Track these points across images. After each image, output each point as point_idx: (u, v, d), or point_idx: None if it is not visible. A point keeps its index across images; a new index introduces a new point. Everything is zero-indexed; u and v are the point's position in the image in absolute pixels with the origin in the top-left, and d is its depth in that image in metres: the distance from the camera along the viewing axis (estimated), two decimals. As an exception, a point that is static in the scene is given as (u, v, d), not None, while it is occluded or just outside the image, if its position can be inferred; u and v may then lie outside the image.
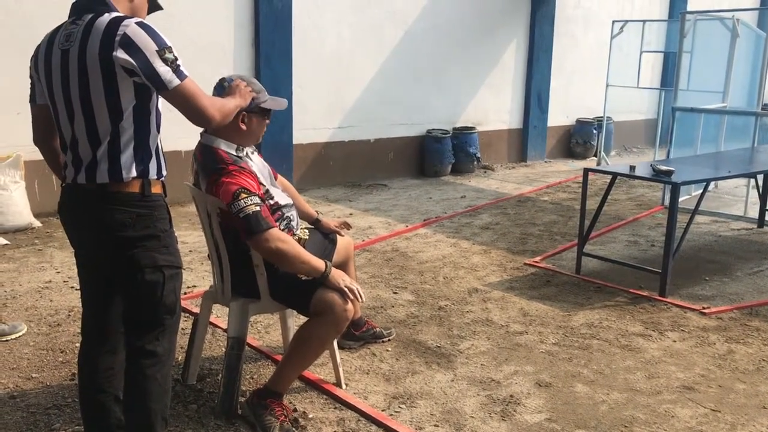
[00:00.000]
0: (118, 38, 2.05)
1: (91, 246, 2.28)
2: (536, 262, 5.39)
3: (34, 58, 2.30)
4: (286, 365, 2.90)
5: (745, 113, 7.66)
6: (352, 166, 8.53)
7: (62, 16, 2.27)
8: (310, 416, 3.02)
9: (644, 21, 9.65)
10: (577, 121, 11.05)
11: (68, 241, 2.40)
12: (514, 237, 6.20)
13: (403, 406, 3.14)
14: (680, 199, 6.55)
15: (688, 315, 4.34)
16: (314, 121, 8.09)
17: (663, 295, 4.60)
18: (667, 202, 7.33)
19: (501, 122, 10.21)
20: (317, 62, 8.01)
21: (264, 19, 7.43)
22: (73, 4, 2.23)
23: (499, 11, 9.89)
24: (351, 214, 6.97)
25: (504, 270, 5.24)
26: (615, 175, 5.07)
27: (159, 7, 2.48)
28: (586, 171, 5.11)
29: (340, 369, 3.32)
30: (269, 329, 3.98)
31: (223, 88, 2.58)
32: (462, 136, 9.36)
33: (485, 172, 9.61)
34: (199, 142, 2.90)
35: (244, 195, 2.66)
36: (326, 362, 3.47)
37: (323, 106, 8.18)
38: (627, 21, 9.76)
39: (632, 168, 4.91)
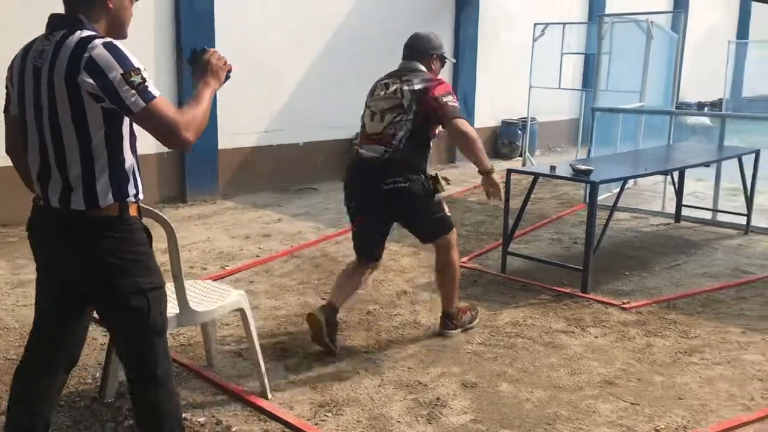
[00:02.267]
0: (83, 61, 1.99)
1: (66, 270, 2.21)
2: (463, 262, 5.43)
3: (11, 69, 2.22)
4: (446, 292, 4.02)
5: (660, 112, 7.96)
6: (281, 170, 8.44)
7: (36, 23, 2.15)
8: (234, 429, 2.96)
9: (564, 23, 9.90)
10: (503, 122, 11.25)
11: (33, 259, 2.32)
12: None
13: (329, 414, 3.11)
14: (601, 197, 6.75)
15: (609, 310, 4.46)
16: (240, 125, 7.96)
17: (585, 292, 4.72)
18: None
19: (429, 124, 10.27)
20: (243, 66, 7.80)
21: (186, 22, 7.27)
22: (50, 16, 2.15)
23: (424, 13, 9.97)
24: (280, 219, 6.89)
25: (432, 271, 5.26)
26: (536, 176, 5.18)
27: None
28: (509, 172, 5.20)
29: (266, 379, 3.27)
30: (191, 342, 3.88)
31: (194, 62, 2.32)
32: (391, 138, 9.38)
33: (415, 173, 9.66)
34: None
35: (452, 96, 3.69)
36: (251, 373, 3.41)
37: (250, 111, 8.06)
38: (548, 23, 9.99)
39: (553, 168, 5.03)
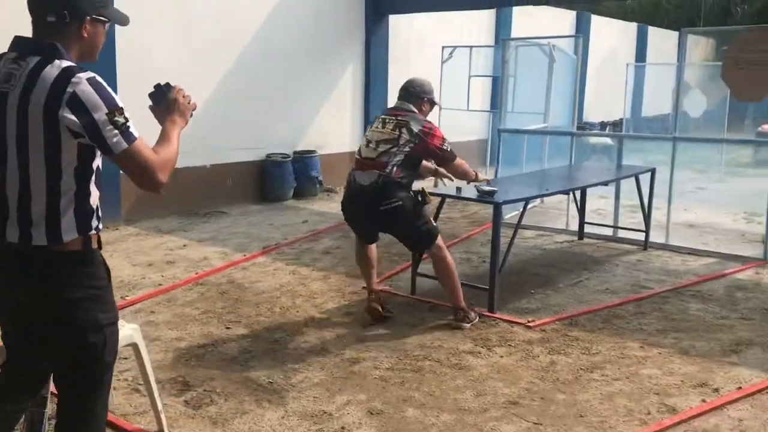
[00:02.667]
0: (66, 96, 1.92)
1: (25, 305, 2.11)
2: (373, 285, 5.41)
3: None
4: (450, 289, 4.57)
5: (561, 133, 8.22)
6: (187, 193, 8.19)
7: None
8: (125, 473, 2.80)
9: (471, 47, 10.14)
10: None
11: None
12: (354, 260, 6.20)
13: (229, 450, 2.99)
14: (509, 215, 6.90)
15: (514, 329, 4.52)
16: (145, 148, 7.70)
17: (492, 311, 4.77)
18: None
19: (342, 145, 10.27)
20: (146, 88, 7.61)
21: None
22: (16, 38, 2.02)
23: (335, 35, 9.99)
24: (185, 245, 6.68)
25: (342, 295, 5.21)
26: (444, 197, 5.22)
27: (122, 22, 2.23)
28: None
29: (162, 416, 3.12)
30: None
31: (160, 99, 2.28)
32: (303, 159, 9.32)
33: (328, 194, 9.61)
34: None
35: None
36: (148, 410, 3.25)
37: (153, 133, 7.79)
38: (456, 47, 10.20)
39: (459, 189, 5.08)
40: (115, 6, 2.29)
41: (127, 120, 1.99)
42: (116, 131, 1.96)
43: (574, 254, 6.59)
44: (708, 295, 5.31)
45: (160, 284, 5.41)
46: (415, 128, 4.41)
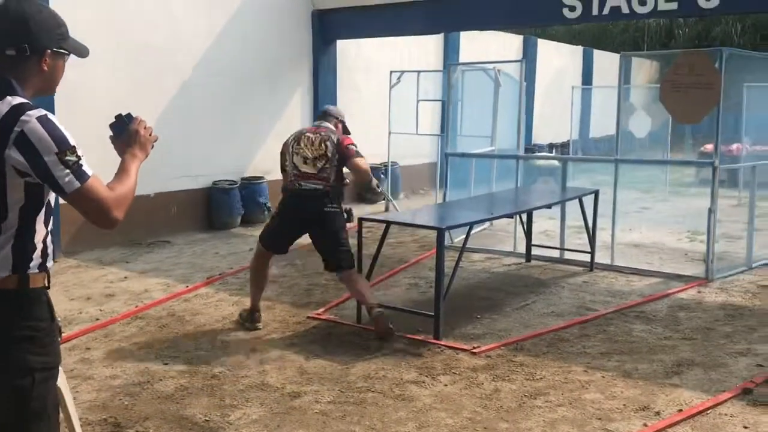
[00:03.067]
0: (13, 135, 1.85)
1: None
2: (319, 314, 5.33)
3: None
4: (362, 296, 4.93)
5: (505, 157, 8.29)
6: (130, 223, 7.95)
7: None
8: None
9: (419, 72, 10.19)
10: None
11: None
12: (300, 289, 6.11)
13: (157, 497, 2.86)
14: (458, 239, 6.90)
15: (459, 356, 4.47)
16: (85, 177, 7.49)
17: (437, 338, 4.72)
18: (447, 242, 7.68)
19: (290, 171, 10.18)
20: (86, 117, 7.40)
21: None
22: None
23: (283, 61, 9.95)
24: (126, 277, 6.49)
25: (286, 326, 5.10)
26: (388, 224, 5.18)
27: (82, 54, 2.17)
28: (360, 221, 5.16)
29: (88, 462, 2.97)
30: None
31: (120, 130, 2.21)
32: (251, 186, 9.20)
33: (276, 221, 9.49)
34: None
35: None
36: (73, 456, 3.08)
37: (94, 162, 7.57)
38: (403, 71, 10.25)
39: (401, 217, 5.05)
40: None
41: (79, 158, 1.92)
42: (67, 171, 1.89)
43: (521, 277, 6.60)
44: (651, 315, 5.36)
45: (97, 319, 5.22)
46: (334, 138, 5.19)
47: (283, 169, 5.20)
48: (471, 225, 5.15)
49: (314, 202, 5.00)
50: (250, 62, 9.41)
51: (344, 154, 5.08)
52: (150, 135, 2.22)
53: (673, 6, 7.32)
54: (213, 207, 8.87)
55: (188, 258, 7.35)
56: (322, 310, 5.40)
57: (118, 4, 7.86)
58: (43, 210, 2.01)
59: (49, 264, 2.08)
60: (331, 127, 5.29)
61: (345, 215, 5.11)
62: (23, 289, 1.98)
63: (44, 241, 2.04)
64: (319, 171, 5.04)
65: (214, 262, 7.17)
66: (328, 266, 5.07)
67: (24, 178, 1.89)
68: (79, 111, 7.29)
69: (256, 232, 8.72)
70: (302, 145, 5.12)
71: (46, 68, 2.03)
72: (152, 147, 2.24)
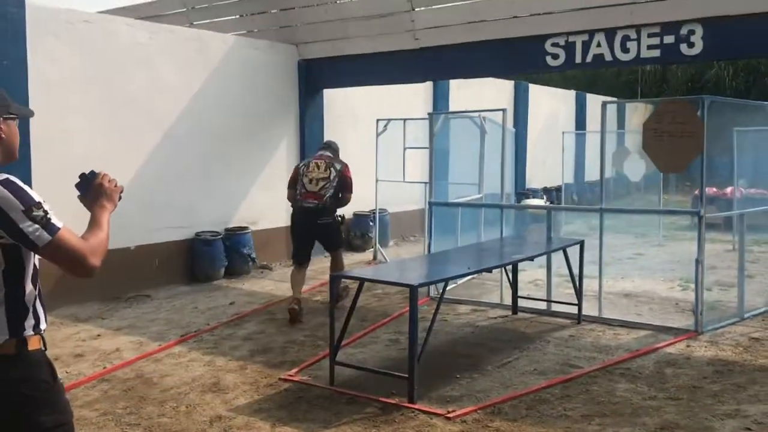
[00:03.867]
0: None
1: None
2: (291, 375, 5.13)
3: None
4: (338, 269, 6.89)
5: (489, 206, 8.16)
6: (110, 277, 7.77)
7: None
8: None
9: (405, 119, 10.15)
10: (354, 214, 11.23)
11: None
12: (277, 347, 5.92)
13: None
14: (450, 287, 6.71)
15: (434, 421, 4.27)
16: (63, 231, 7.36)
17: (412, 402, 4.52)
18: (432, 293, 7.51)
19: (277, 220, 10.04)
20: (64, 170, 7.23)
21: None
22: None
23: (268, 110, 9.91)
24: (99, 335, 6.31)
25: (257, 389, 4.91)
26: (362, 281, 5.02)
27: (28, 115, 2.35)
28: (332, 278, 5.01)
29: None
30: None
31: (86, 188, 2.34)
32: (235, 237, 9.06)
33: (262, 272, 9.33)
34: None
35: None
36: None
37: (72, 214, 7.47)
38: (390, 119, 10.21)
39: (376, 272, 4.89)
40: (30, 94, 2.35)
41: (47, 212, 2.02)
42: (36, 225, 1.99)
43: (506, 331, 6.40)
44: (637, 372, 5.15)
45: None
46: (338, 166, 7.00)
47: (290, 187, 7.08)
48: (446, 281, 4.99)
49: (312, 216, 6.84)
50: (233, 113, 9.37)
51: (344, 183, 6.98)
52: (115, 186, 2.33)
53: (656, 53, 7.28)
54: (195, 259, 8.72)
55: (166, 313, 7.17)
56: (295, 371, 5.21)
57: (97, 55, 7.84)
58: (29, 272, 2.10)
59: (43, 326, 2.16)
60: (335, 156, 7.14)
61: (339, 220, 7.14)
62: (23, 353, 2.05)
63: (34, 303, 2.12)
64: (319, 190, 6.84)
65: (192, 317, 6.98)
66: (328, 248, 7.33)
67: None
68: (57, 164, 7.22)
69: (239, 284, 8.61)
70: (311, 168, 6.97)
71: (3, 136, 2.15)
72: (120, 197, 2.36)
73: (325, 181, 6.84)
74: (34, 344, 2.10)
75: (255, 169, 9.73)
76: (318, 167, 6.96)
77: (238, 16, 10.73)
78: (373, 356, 5.61)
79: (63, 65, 7.52)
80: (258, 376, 5.15)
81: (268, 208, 9.92)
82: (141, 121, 8.26)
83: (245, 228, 9.31)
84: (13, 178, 2.04)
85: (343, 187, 6.95)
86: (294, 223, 7.13)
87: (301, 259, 7.07)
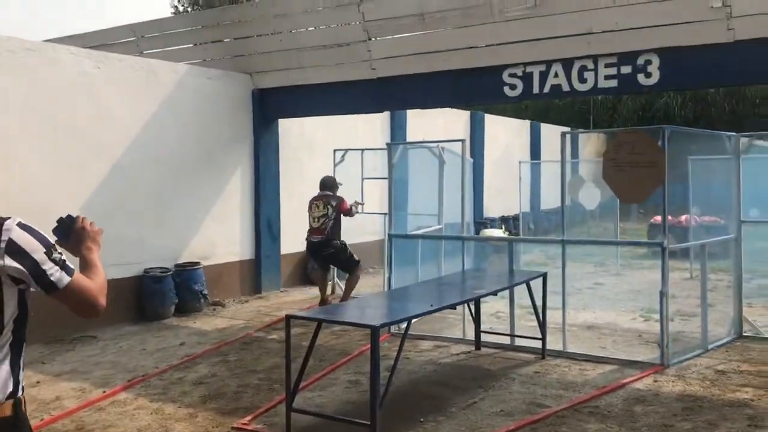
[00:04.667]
0: (3, 245, 1.95)
1: None
2: (245, 424, 4.81)
3: None
4: (347, 293, 8.48)
5: (451, 238, 7.99)
6: (54, 317, 7.25)
7: None
8: None
9: (363, 150, 9.99)
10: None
11: None
12: (230, 392, 5.59)
13: None
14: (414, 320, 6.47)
15: (398, 472, 4.01)
16: (0, 270, 6.93)
17: (374, 451, 4.25)
18: (393, 330, 7.27)
19: (231, 254, 9.74)
20: (3, 199, 6.98)
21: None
22: None
23: (221, 141, 9.62)
24: (38, 382, 5.88)
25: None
26: (320, 321, 4.76)
27: None
28: (288, 318, 4.73)
29: None
30: None
31: (66, 234, 2.31)
32: (186, 272, 8.70)
33: (215, 309, 8.96)
34: None
35: None
36: None
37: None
38: (347, 150, 10.03)
39: (334, 313, 4.65)
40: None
41: (62, 254, 2.04)
42: (57, 267, 1.99)
43: (469, 368, 6.19)
44: (606, 411, 4.99)
45: (-8, 438, 4.62)
46: (334, 202, 8.41)
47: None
48: (409, 320, 4.77)
49: (318, 249, 8.46)
50: (185, 143, 9.06)
51: (342, 210, 8.48)
52: (96, 228, 2.35)
53: (613, 84, 7.27)
54: (144, 297, 8.32)
55: (112, 356, 6.77)
56: (248, 418, 4.89)
57: (40, 84, 7.49)
58: (27, 321, 2.05)
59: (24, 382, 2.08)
60: (332, 194, 8.50)
61: (341, 245, 8.49)
62: (18, 415, 1.98)
63: (22, 356, 2.06)
64: (320, 225, 8.36)
65: (140, 359, 6.60)
66: (345, 272, 8.76)
67: (18, 286, 1.98)
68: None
69: (191, 323, 8.24)
70: (313, 209, 8.46)
71: None
72: (101, 238, 2.37)
73: (324, 218, 8.35)
74: (23, 404, 2.04)
75: (207, 201, 9.40)
76: (318, 207, 8.41)
77: (191, 45, 10.47)
78: (332, 400, 5.33)
79: (3, 94, 7.16)
80: (209, 425, 4.82)
81: (221, 242, 9.60)
82: (87, 152, 7.92)
83: (197, 263, 8.96)
84: (24, 220, 2.04)
85: (344, 211, 8.51)
86: (308, 252, 8.86)
87: (323, 268, 8.90)
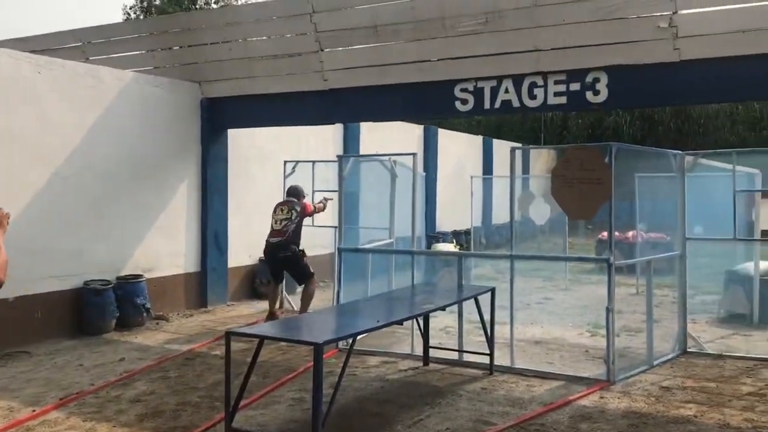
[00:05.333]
0: None
1: None
2: (182, 444, 4.63)
3: None
4: (304, 306, 8.32)
5: (402, 252, 7.92)
6: (-16, 332, 7.06)
7: None
8: None
9: (313, 162, 9.86)
10: (260, 260, 10.74)
11: None
12: (168, 410, 5.37)
13: None
14: (360, 337, 6.36)
15: (339, 494, 3.88)
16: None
17: (316, 472, 4.12)
18: (341, 345, 7.14)
19: (176, 267, 9.47)
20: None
21: None
22: None
23: (167, 150, 9.37)
24: (-37, 400, 5.57)
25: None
26: (262, 338, 4.61)
27: None
28: (228, 335, 4.57)
29: None
30: None
31: None
32: (128, 285, 8.41)
33: (158, 323, 8.68)
34: None
35: None
36: None
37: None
38: (298, 161, 9.90)
39: (278, 328, 4.51)
40: None
41: None
42: None
43: (417, 385, 6.10)
44: (552, 429, 4.95)
45: None
46: (298, 208, 8.58)
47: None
48: (355, 336, 4.66)
49: (276, 250, 8.39)
50: (129, 152, 8.80)
51: (307, 213, 8.70)
52: (3, 213, 2.48)
53: (563, 100, 7.33)
54: (83, 310, 8.00)
55: (46, 372, 6.47)
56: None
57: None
58: None
59: None
60: (296, 200, 8.68)
61: (298, 252, 8.45)
62: None
63: None
64: (282, 228, 8.41)
65: (75, 376, 6.32)
66: (298, 282, 8.89)
67: None
68: None
69: (132, 338, 7.96)
70: (277, 212, 8.61)
71: None
72: (8, 222, 2.55)
73: (287, 221, 8.44)
74: None
75: (152, 211, 9.14)
76: (282, 211, 8.58)
77: (138, 53, 10.21)
78: (275, 418, 5.17)
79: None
80: (145, 447, 4.62)
81: (165, 254, 9.33)
82: (25, 159, 7.61)
83: (140, 276, 8.68)
84: None
85: (307, 212, 8.72)
86: (265, 254, 8.67)
87: (276, 279, 8.77)
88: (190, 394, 5.76)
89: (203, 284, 9.81)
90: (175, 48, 9.86)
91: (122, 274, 8.61)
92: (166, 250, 9.33)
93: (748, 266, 8.65)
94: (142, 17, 27.48)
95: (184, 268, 9.60)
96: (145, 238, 9.00)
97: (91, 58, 9.90)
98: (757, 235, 8.33)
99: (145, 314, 8.50)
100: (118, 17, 31.99)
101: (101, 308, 8.03)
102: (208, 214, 9.86)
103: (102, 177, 8.43)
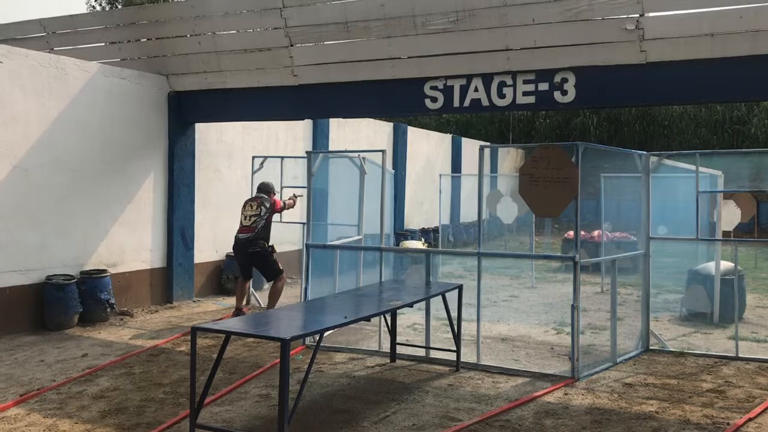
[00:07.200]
0: None
1: None
2: (145, 441, 4.57)
3: None
4: (272, 302, 8.45)
5: (370, 248, 7.91)
6: (-59, 327, 6.89)
7: None
8: None
9: (282, 157, 9.82)
10: (227, 255, 10.67)
11: None
12: (132, 406, 5.30)
13: None
14: (327, 334, 6.34)
15: (305, 491, 3.87)
16: None
17: (281, 469, 4.10)
18: (308, 341, 7.12)
19: (141, 262, 9.35)
20: None
21: None
22: None
23: (133, 144, 9.23)
24: None
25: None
26: (228, 334, 4.57)
27: None
28: (194, 330, 4.52)
29: None
30: None
31: None
32: (91, 280, 8.27)
33: (122, 319, 8.56)
34: None
35: None
36: None
37: None
38: (266, 157, 9.84)
39: (244, 324, 4.48)
40: None
41: None
42: None
43: (383, 381, 6.11)
44: (517, 425, 5.00)
45: None
46: (268, 204, 8.60)
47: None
48: (322, 332, 4.64)
49: (245, 246, 8.43)
50: (93, 145, 8.64)
51: (276, 209, 8.70)
52: None
53: (531, 100, 7.39)
54: (46, 305, 7.85)
55: (6, 368, 6.33)
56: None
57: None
58: None
59: None
60: (266, 196, 8.68)
61: (269, 249, 8.50)
62: None
63: None
64: (251, 224, 8.45)
65: (37, 372, 6.20)
66: (266, 278, 8.86)
67: None
68: None
69: (95, 333, 7.84)
70: (246, 208, 8.60)
71: None
72: None
73: (256, 217, 8.47)
74: None
75: (116, 206, 8.99)
76: (251, 207, 8.57)
77: (104, 44, 10.04)
78: (241, 415, 5.13)
79: None
80: (108, 444, 4.55)
81: (130, 249, 9.20)
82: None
83: (104, 271, 8.54)
84: None
85: (277, 209, 8.72)
86: (233, 250, 8.75)
87: (245, 275, 8.69)
88: (155, 391, 5.69)
89: (169, 280, 9.70)
90: (142, 40, 9.71)
91: (86, 268, 8.47)
92: (131, 244, 9.20)
93: (710, 266, 8.83)
94: (107, 8, 27.03)
95: (149, 263, 9.48)
96: (109, 232, 8.86)
97: (55, 49, 9.71)
98: (719, 236, 8.50)
99: (109, 310, 8.37)
100: (81, 8, 31.39)
101: (64, 303, 7.88)
102: (175, 208, 9.75)
103: (65, 171, 8.28)
